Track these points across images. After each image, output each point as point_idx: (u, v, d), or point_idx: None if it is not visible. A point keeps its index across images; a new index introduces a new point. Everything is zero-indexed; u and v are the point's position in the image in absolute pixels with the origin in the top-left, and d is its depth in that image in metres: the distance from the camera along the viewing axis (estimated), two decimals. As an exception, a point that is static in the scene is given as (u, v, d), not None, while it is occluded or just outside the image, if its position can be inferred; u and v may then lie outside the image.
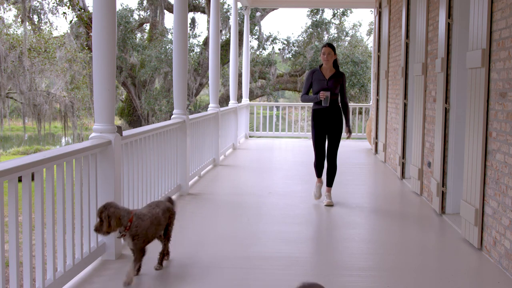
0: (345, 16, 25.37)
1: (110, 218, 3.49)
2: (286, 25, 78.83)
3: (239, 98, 16.97)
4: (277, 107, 17.67)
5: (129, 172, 4.76)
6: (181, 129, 6.74)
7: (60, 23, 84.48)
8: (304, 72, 23.62)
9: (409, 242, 4.99)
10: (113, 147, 4.17)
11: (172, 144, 6.42)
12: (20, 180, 3.15)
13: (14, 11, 22.07)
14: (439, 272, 4.10)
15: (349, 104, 6.43)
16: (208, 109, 9.36)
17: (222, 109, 10.05)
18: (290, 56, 25.01)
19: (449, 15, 5.73)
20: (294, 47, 24.84)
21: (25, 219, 3.15)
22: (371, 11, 21.08)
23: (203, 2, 23.55)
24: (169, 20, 46.79)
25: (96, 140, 4.09)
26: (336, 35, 25.33)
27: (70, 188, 3.70)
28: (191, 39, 23.87)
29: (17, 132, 26.89)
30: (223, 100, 21.61)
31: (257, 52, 24.51)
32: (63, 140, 23.10)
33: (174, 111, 6.86)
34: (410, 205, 6.57)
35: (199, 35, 27.80)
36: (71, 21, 21.65)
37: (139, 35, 25.50)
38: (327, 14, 25.14)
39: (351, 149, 11.83)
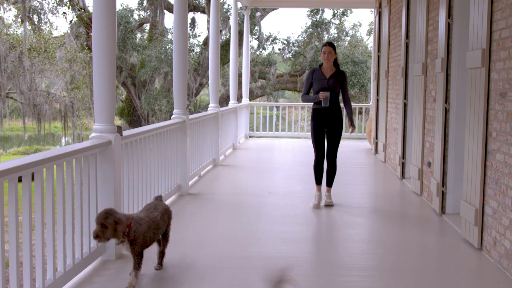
0: (345, 16, 25.37)
1: (117, 224, 3.43)
2: (286, 25, 78.86)
3: (239, 98, 16.97)
4: (277, 107, 17.67)
5: (129, 172, 4.76)
6: (181, 129, 6.74)
7: (60, 23, 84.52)
8: (304, 72, 23.62)
9: (409, 242, 4.99)
10: (113, 147, 4.17)
11: (172, 144, 6.42)
12: (20, 180, 3.15)
13: (14, 11, 22.08)
14: (439, 272, 4.10)
15: (351, 102, 6.40)
16: (208, 109, 9.36)
17: (222, 109, 10.05)
18: (290, 56, 25.00)
19: (449, 15, 5.73)
20: (294, 47, 24.84)
21: (25, 219, 3.15)
22: (371, 11, 21.08)
23: (203, 2, 23.55)
24: (169, 20, 46.85)
25: (96, 140, 4.09)
26: (336, 35, 25.33)
27: (70, 188, 3.70)
28: (191, 39, 23.87)
29: (17, 132, 26.89)
30: (223, 100, 21.61)
31: (257, 52, 24.52)
32: (63, 140, 23.10)
33: (174, 111, 6.86)
34: (410, 205, 6.57)
35: (199, 35, 27.81)
36: (71, 21, 21.65)
37: (139, 35, 25.50)
38: (327, 14, 25.16)
39: (351, 149, 11.83)
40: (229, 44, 14.90)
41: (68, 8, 20.69)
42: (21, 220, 3.27)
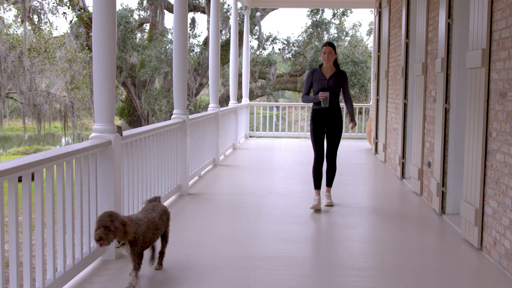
0: (345, 16, 25.37)
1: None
2: (286, 25, 78.85)
3: (239, 98, 16.97)
4: (277, 107, 17.67)
5: (129, 172, 4.76)
6: (181, 129, 6.74)
7: (60, 23, 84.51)
8: (304, 72, 23.62)
9: (409, 242, 4.99)
10: (113, 147, 4.17)
11: (172, 144, 6.42)
12: (20, 180, 3.15)
13: (14, 11, 22.08)
14: (439, 272, 4.10)
15: (352, 101, 6.34)
16: (208, 109, 9.36)
17: (222, 109, 10.05)
18: (290, 56, 25.00)
19: (449, 15, 5.73)
20: (294, 47, 24.84)
21: (25, 219, 3.15)
22: (371, 11, 21.08)
23: (203, 2, 23.54)
24: (169, 20, 46.84)
25: (96, 140, 4.09)
26: (336, 35, 25.33)
27: (70, 188, 3.70)
28: (191, 39, 23.87)
29: (17, 132, 26.89)
30: (223, 100, 21.61)
31: (257, 52, 24.51)
32: (63, 140, 23.10)
33: (174, 111, 6.86)
34: (410, 205, 6.57)
35: (199, 35, 27.81)
36: (71, 21, 21.65)
37: (139, 35, 25.49)
38: (327, 14, 25.16)
39: (351, 149, 11.83)
40: (229, 44, 14.89)
41: (68, 8, 20.69)
42: (21, 220, 3.27)
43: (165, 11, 24.52)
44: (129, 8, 24.09)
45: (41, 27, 21.46)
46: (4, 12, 25.80)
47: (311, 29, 24.80)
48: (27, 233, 3.15)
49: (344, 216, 5.83)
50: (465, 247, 4.75)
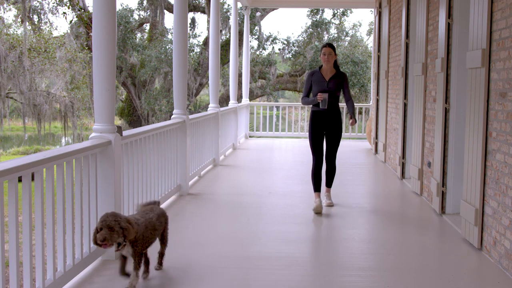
0: (345, 16, 25.37)
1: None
2: (286, 25, 78.85)
3: (239, 98, 16.97)
4: (277, 107, 17.67)
5: (129, 172, 4.76)
6: (181, 129, 6.74)
7: (60, 23, 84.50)
8: (304, 72, 23.62)
9: (409, 242, 4.99)
10: (113, 147, 4.17)
11: (172, 144, 6.42)
12: (20, 180, 3.15)
13: (14, 11, 22.08)
14: (439, 272, 4.10)
15: (353, 102, 6.21)
16: (208, 109, 9.36)
17: (222, 109, 10.05)
18: (290, 56, 25.01)
19: (449, 15, 5.73)
20: (294, 47, 24.84)
21: (25, 219, 3.15)
22: (371, 11, 21.08)
23: (203, 2, 23.55)
24: (169, 20, 46.83)
25: (96, 140, 4.09)
26: (336, 35, 25.33)
27: (70, 188, 3.70)
28: (191, 39, 23.87)
29: (17, 132, 26.89)
30: (223, 100, 21.61)
31: (257, 52, 24.52)
32: (63, 140, 23.10)
33: (174, 111, 6.86)
34: (410, 205, 6.57)
35: (199, 35, 27.81)
36: (71, 21, 21.65)
37: (139, 35, 25.50)
38: (327, 14, 25.16)
39: (351, 149, 11.83)
40: (229, 44, 14.90)
41: (68, 8, 20.69)
42: (21, 220, 3.27)
43: (165, 11, 24.53)
44: (129, 8, 24.10)
45: (41, 27, 21.47)
46: (4, 12, 25.80)
47: (311, 29, 24.80)
48: (27, 233, 3.15)
49: (344, 216, 5.83)
50: (465, 247, 4.75)
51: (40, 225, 3.35)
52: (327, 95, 5.91)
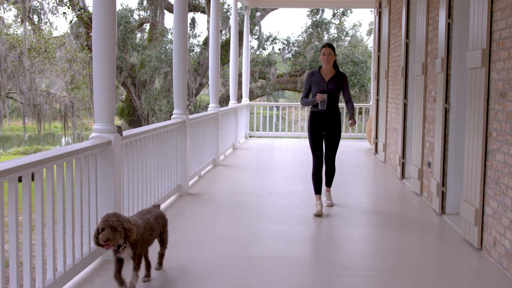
0: (345, 16, 25.37)
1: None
2: (286, 25, 78.85)
3: (239, 98, 16.98)
4: (277, 107, 17.67)
5: (129, 172, 4.76)
6: (181, 129, 6.74)
7: (60, 23, 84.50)
8: (304, 72, 23.63)
9: (409, 242, 4.99)
10: (113, 147, 4.17)
11: (172, 144, 6.42)
12: (20, 180, 3.15)
13: (14, 11, 22.08)
14: (439, 272, 4.10)
15: (353, 103, 6.14)
16: (208, 109, 9.36)
17: (222, 109, 10.05)
18: (290, 56, 25.01)
19: (449, 15, 5.73)
20: (294, 47, 24.85)
21: (25, 219, 3.15)
22: (371, 11, 21.08)
23: (203, 2, 23.55)
24: (169, 20, 46.83)
25: (96, 140, 4.09)
26: (336, 35, 25.33)
27: (70, 188, 3.70)
28: (191, 39, 23.87)
29: (17, 132, 26.89)
30: (223, 100, 21.61)
31: (257, 52, 24.52)
32: (63, 140, 23.10)
33: (174, 111, 6.86)
34: (410, 205, 6.57)
35: (199, 35, 27.82)
36: (71, 21, 21.65)
37: (139, 35, 25.50)
38: (327, 14, 25.16)
39: (351, 149, 11.83)
40: (229, 44, 14.90)
41: (68, 8, 20.70)
42: (21, 220, 3.27)
43: (165, 11, 24.53)
44: (129, 8, 24.10)
45: (41, 27, 21.47)
46: (4, 12, 25.81)
47: (311, 29, 24.80)
48: (27, 233, 3.15)
49: (344, 216, 5.83)
50: (465, 247, 4.75)
51: (40, 225, 3.35)
52: (327, 95, 5.84)
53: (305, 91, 6.11)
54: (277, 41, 24.90)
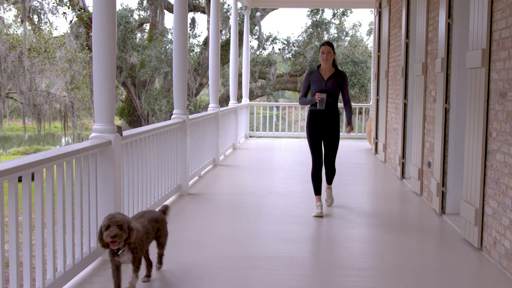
0: (345, 16, 25.37)
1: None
2: (286, 25, 78.83)
3: (239, 98, 16.97)
4: (277, 107, 17.67)
5: (129, 172, 4.76)
6: (181, 129, 6.74)
7: (60, 23, 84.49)
8: (304, 72, 23.62)
9: (409, 242, 4.98)
10: (113, 147, 4.17)
11: (172, 144, 6.42)
12: (20, 180, 3.15)
13: (14, 11, 22.08)
14: (439, 272, 4.10)
15: (351, 104, 6.02)
16: (208, 109, 9.36)
17: (222, 109, 10.05)
18: (290, 56, 25.01)
19: (449, 15, 5.72)
20: (294, 47, 24.85)
21: (25, 219, 3.15)
22: (371, 11, 21.07)
23: (203, 2, 23.55)
24: (169, 20, 46.81)
25: (96, 140, 4.09)
26: (336, 35, 25.34)
27: (70, 188, 3.70)
28: (191, 39, 23.87)
29: (17, 132, 26.89)
30: (223, 100, 21.61)
31: (257, 52, 24.52)
32: (63, 140, 23.10)
33: (174, 111, 6.86)
34: (410, 205, 6.57)
35: (199, 35, 27.81)
36: (71, 21, 21.65)
37: (139, 35, 25.50)
38: (327, 14, 25.16)
39: (351, 149, 11.83)
40: (229, 44, 14.89)
41: (68, 8, 20.70)
42: (21, 220, 3.26)
43: (165, 11, 24.53)
44: (129, 8, 24.10)
45: (41, 27, 21.47)
46: (4, 12, 25.81)
47: (311, 29, 24.80)
48: (27, 233, 3.15)
49: (344, 216, 5.83)
50: (465, 247, 4.75)
51: (40, 225, 3.35)
52: (325, 95, 5.74)
53: (303, 90, 5.99)
54: (277, 41, 24.91)
